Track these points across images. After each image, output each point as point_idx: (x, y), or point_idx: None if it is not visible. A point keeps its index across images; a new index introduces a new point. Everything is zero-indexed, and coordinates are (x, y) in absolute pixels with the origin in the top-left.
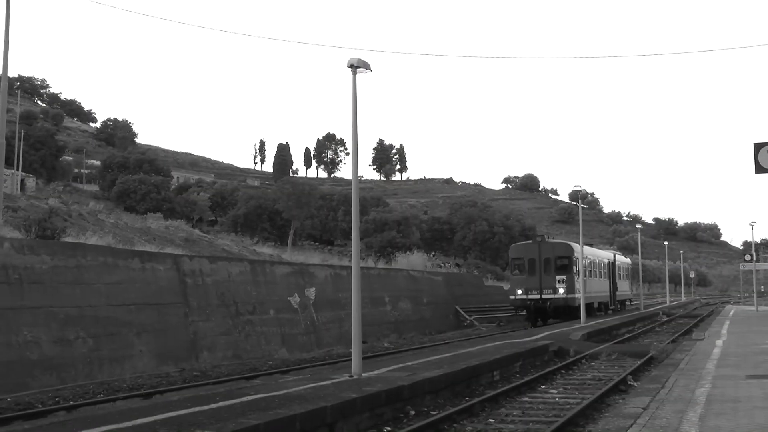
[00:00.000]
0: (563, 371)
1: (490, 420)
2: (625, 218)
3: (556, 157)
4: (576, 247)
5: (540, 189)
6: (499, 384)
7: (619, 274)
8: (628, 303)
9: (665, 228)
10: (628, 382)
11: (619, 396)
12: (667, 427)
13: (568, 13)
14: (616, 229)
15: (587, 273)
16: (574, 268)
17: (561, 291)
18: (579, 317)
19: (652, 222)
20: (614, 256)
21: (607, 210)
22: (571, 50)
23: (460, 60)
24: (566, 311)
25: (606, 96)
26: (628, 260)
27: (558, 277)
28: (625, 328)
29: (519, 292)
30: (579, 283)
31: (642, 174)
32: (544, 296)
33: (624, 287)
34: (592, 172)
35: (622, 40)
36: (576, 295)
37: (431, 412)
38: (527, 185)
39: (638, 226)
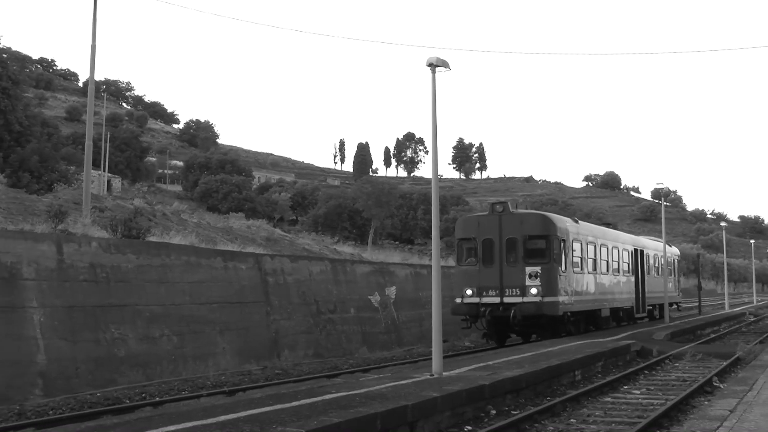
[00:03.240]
0: (646, 371)
1: (572, 420)
2: (709, 216)
3: (638, 154)
4: (561, 222)
5: (621, 187)
6: (580, 384)
7: (656, 268)
8: (674, 307)
9: (751, 226)
10: (714, 384)
11: (704, 398)
12: (756, 430)
13: (648, 11)
14: (700, 227)
15: (581, 264)
16: (560, 254)
17: (533, 291)
18: (570, 332)
19: (738, 220)
20: (643, 242)
21: (690, 208)
22: (654, 46)
23: (539, 57)
24: (542, 323)
25: (690, 91)
26: (673, 249)
27: (529, 270)
28: (710, 328)
29: (468, 293)
30: (564, 280)
31: (727, 171)
32: (506, 299)
33: (658, 287)
34: (675, 169)
35: (705, 35)
36: (559, 298)
37: (512, 412)
38: (608, 183)
39: (723, 224)
